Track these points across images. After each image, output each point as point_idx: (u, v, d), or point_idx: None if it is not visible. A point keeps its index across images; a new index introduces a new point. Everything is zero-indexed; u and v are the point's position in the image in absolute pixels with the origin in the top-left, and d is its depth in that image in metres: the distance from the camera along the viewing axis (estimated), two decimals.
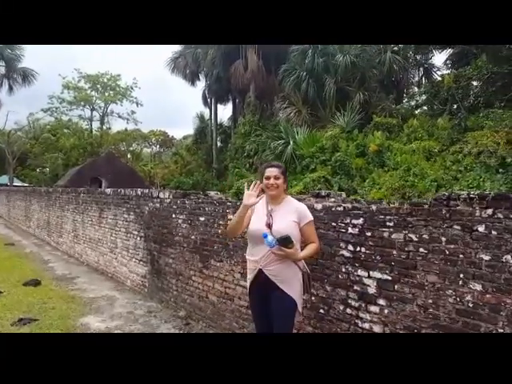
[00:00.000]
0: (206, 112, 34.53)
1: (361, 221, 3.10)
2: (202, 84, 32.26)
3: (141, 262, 6.45)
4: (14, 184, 34.34)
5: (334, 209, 3.34)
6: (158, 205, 6.07)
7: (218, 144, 32.05)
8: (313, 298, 3.45)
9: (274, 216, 2.91)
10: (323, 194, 3.73)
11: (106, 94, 37.33)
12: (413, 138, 14.06)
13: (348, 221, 3.21)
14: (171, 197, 5.80)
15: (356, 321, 3.12)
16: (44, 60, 55.54)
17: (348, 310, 3.18)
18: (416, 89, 21.98)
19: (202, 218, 5.07)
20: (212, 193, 5.56)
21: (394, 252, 2.87)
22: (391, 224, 2.91)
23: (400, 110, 18.70)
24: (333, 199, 3.66)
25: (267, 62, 24.91)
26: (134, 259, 6.67)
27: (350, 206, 3.25)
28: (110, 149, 33.06)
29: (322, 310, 3.39)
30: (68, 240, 9.83)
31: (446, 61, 20.48)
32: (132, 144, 43.79)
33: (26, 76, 31.47)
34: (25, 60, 31.82)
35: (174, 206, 5.66)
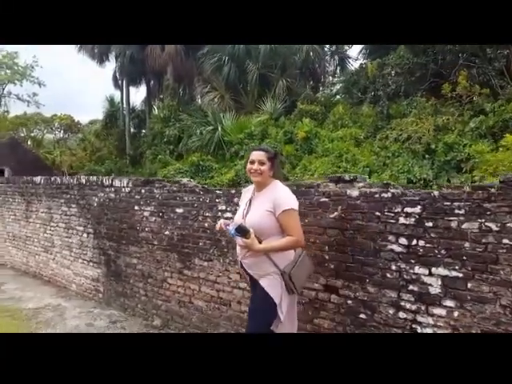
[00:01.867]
0: (117, 95, 31.53)
1: (418, 209, 2.56)
2: (111, 65, 29.33)
3: (90, 263, 5.23)
4: None
5: (377, 195, 2.76)
6: (112, 195, 4.92)
7: (132, 129, 29.58)
8: (349, 302, 2.86)
9: (252, 205, 2.59)
10: (347, 178, 3.11)
11: (2, 72, 31.92)
12: (339, 125, 14.20)
13: (399, 209, 2.64)
14: (131, 185, 4.71)
15: (413, 326, 2.58)
16: None
17: (401, 314, 2.63)
18: (331, 78, 22.49)
19: (179, 210, 4.13)
20: (185, 180, 4.62)
21: (466, 244, 2.39)
22: (461, 212, 2.42)
23: (320, 98, 18.90)
24: (361, 184, 3.07)
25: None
26: (80, 260, 5.40)
27: (400, 191, 2.69)
28: (11, 135, 28.50)
29: (362, 315, 2.79)
30: None
31: (360, 51, 20.97)
32: (33, 129, 38.54)
33: None
34: None
35: (137, 196, 4.59)
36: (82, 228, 5.35)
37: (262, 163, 2.53)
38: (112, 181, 4.93)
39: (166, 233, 4.24)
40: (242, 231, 2.40)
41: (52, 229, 5.90)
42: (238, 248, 2.64)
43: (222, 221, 2.70)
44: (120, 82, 28.85)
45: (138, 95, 48.35)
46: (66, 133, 40.93)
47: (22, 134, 37.06)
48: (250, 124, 15.79)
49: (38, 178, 6.26)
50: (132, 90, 29.03)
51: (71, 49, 34.96)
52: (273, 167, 2.58)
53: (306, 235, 3.10)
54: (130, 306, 4.64)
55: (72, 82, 60.96)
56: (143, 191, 4.52)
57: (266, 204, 2.49)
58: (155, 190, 4.39)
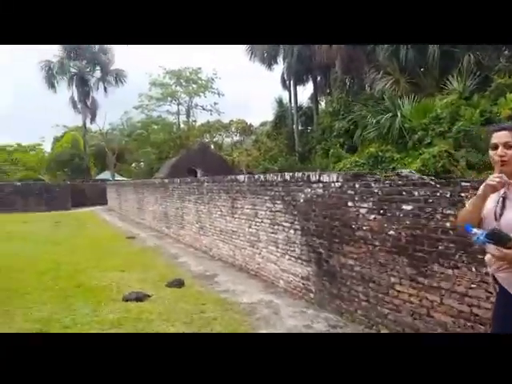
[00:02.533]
0: (284, 96, 32.87)
1: None
2: (279, 67, 30.62)
3: (299, 261, 5.10)
4: (116, 179, 35.84)
5: None
6: (320, 190, 4.63)
7: (299, 127, 30.20)
8: None
9: (508, 203, 1.89)
10: None
11: (190, 87, 37.13)
12: None
13: None
14: (341, 179, 4.32)
15: None
16: (128, 58, 57.34)
17: None
18: None
19: (407, 207, 3.51)
20: (405, 171, 3.98)
21: None
22: None
23: None
24: None
25: None
26: (287, 256, 5.35)
27: None
28: (201, 141, 32.94)
29: None
30: (191, 232, 8.91)
31: None
32: (215, 135, 43.65)
33: (119, 77, 32.14)
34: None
35: (350, 192, 4.17)
36: (288, 224, 5.27)
37: (509, 146, 1.86)
38: (319, 176, 4.64)
39: (391, 233, 3.67)
40: (498, 238, 1.79)
41: (257, 224, 6.06)
42: (487, 256, 1.98)
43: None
44: (288, 82, 29.89)
45: (304, 93, 49.31)
46: (241, 136, 45.10)
47: (207, 140, 42.40)
48: (434, 106, 13.91)
49: (241, 177, 6.56)
50: (299, 88, 29.80)
51: (243, 55, 38.15)
52: None
53: None
54: (348, 311, 4.26)
55: (245, 88, 66.66)
56: (357, 186, 4.06)
57: None
58: (373, 185, 3.87)
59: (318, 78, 28.53)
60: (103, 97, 32.57)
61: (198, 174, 23.72)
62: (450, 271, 3.15)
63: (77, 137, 35.92)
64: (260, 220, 5.98)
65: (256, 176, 6.09)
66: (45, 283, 6.07)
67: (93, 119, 32.43)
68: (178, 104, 38.38)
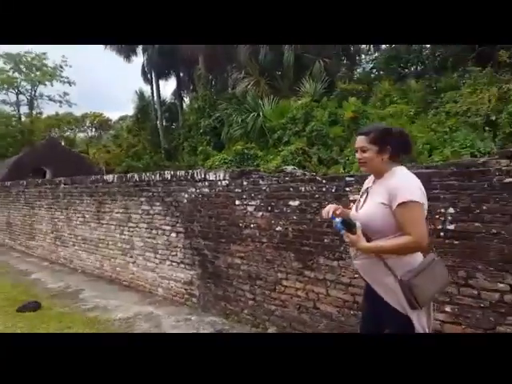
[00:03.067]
0: (146, 89, 31.28)
1: None
2: (138, 59, 28.98)
3: (181, 265, 4.72)
4: None
5: None
6: (206, 189, 4.36)
7: (164, 123, 29.19)
8: None
9: (369, 197, 2.08)
10: None
11: (32, 74, 32.03)
12: (388, 102, 13.26)
13: None
14: (228, 177, 4.13)
15: None
16: None
17: None
18: (363, 56, 21.35)
19: (294, 203, 3.53)
20: (289, 168, 4.01)
21: None
22: None
23: (360, 76, 17.89)
24: None
25: None
26: (167, 262, 4.91)
27: None
28: (49, 135, 28.73)
29: None
30: (45, 243, 7.54)
31: None
32: (65, 129, 38.89)
33: None
34: None
35: (237, 190, 4.01)
36: (169, 227, 4.84)
37: (363, 150, 2.03)
38: (205, 174, 4.36)
39: (278, 229, 3.65)
40: (348, 225, 1.98)
41: (131, 230, 5.43)
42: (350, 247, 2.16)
43: (330, 206, 2.11)
44: (149, 75, 28.47)
45: (167, 88, 47.67)
46: (97, 131, 41.20)
47: (55, 135, 37.41)
48: (290, 108, 15.00)
49: (110, 177, 5.79)
50: (161, 83, 28.67)
51: (97, 46, 34.77)
52: (384, 150, 1.99)
53: (486, 224, 2.48)
54: (234, 312, 4.11)
55: (100, 79, 61.00)
56: (245, 183, 3.93)
57: (381, 196, 1.95)
58: (261, 182, 3.79)
59: (181, 74, 27.97)
60: None
61: (47, 175, 20.65)
62: (335, 263, 3.27)
63: None
64: (134, 225, 5.37)
65: (128, 175, 5.43)
66: None
67: None
68: (18, 93, 32.77)
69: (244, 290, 4.01)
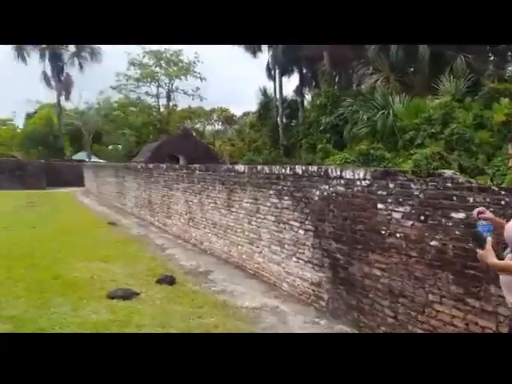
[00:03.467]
0: (269, 86, 32.13)
1: None
2: (263, 56, 29.75)
3: (309, 265, 4.53)
4: (92, 160, 34.12)
5: None
6: (341, 188, 4.07)
7: (284, 120, 29.51)
8: None
9: None
10: None
11: (170, 69, 35.64)
12: None
13: None
14: (369, 177, 3.76)
15: None
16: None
17: None
18: None
19: (457, 215, 2.99)
20: (448, 172, 3.46)
21: None
22: None
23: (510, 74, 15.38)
24: None
25: None
26: (294, 258, 4.78)
27: None
28: (184, 126, 31.76)
29: None
30: (180, 222, 8.19)
31: None
32: (196, 121, 42.39)
33: (94, 53, 30.33)
34: None
35: (381, 192, 3.62)
36: (297, 224, 4.69)
37: None
38: (341, 172, 4.07)
39: (433, 243, 3.15)
40: (478, 239, 1.85)
41: (258, 221, 5.45)
42: None
43: (480, 208, 2.00)
44: (273, 72, 29.08)
45: (288, 85, 48.11)
46: (223, 124, 44.02)
47: (187, 126, 41.07)
48: (426, 107, 13.64)
49: (241, 167, 5.91)
50: (284, 80, 29.01)
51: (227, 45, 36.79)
52: None
53: None
54: (368, 326, 3.74)
55: (227, 76, 64.84)
56: (391, 186, 3.52)
57: None
58: (412, 186, 3.33)
59: (304, 71, 27.90)
60: (79, 73, 30.67)
61: (180, 161, 22.74)
62: None
63: (51, 114, 33.85)
64: (262, 216, 5.37)
65: (259, 167, 5.45)
66: (18, 272, 5.28)
67: (67, 97, 30.51)
68: (158, 86, 36.87)
69: (383, 306, 3.60)
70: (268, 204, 5.25)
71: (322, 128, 21.55)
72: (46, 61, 28.83)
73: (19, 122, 41.38)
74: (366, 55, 19.16)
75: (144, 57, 35.36)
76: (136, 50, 35.33)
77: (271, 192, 5.17)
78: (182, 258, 6.50)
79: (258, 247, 5.49)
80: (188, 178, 7.60)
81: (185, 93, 37.45)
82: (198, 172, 7.19)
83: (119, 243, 7.44)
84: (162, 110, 38.07)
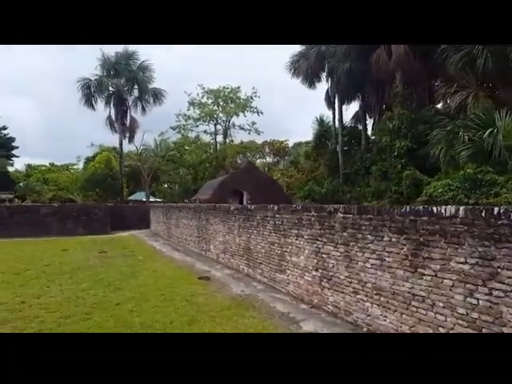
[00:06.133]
0: (326, 115, 30.49)
1: None
2: (321, 85, 28.31)
3: None
4: (150, 200, 33.52)
5: None
6: None
7: (344, 147, 27.50)
8: None
9: None
10: None
11: (228, 107, 35.06)
12: None
13: None
14: None
15: None
16: (168, 78, 55.58)
17: None
18: None
19: None
20: None
21: None
22: None
23: None
24: None
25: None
26: None
27: None
28: (247, 160, 30.59)
29: None
30: (302, 280, 6.09)
31: None
32: (248, 155, 41.35)
33: (157, 96, 30.16)
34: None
35: None
36: None
37: None
38: None
39: None
40: None
41: (495, 294, 3.28)
42: None
43: None
44: (332, 99, 27.53)
45: (346, 113, 46.56)
46: (275, 156, 42.63)
47: (239, 161, 40.04)
48: None
49: (450, 209, 3.80)
50: (343, 107, 27.28)
51: (284, 73, 35.86)
52: None
53: None
54: None
55: (280, 107, 64.16)
56: None
57: None
58: None
59: (367, 96, 26.00)
60: (140, 116, 30.58)
61: (244, 196, 21.12)
62: None
63: (110, 156, 34.01)
64: (501, 286, 3.20)
65: (495, 209, 3.33)
66: None
67: (131, 139, 30.34)
68: (216, 124, 36.31)
69: None
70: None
71: (395, 153, 19.26)
72: (111, 105, 28.95)
73: (82, 166, 42.35)
74: (447, 71, 16.92)
75: (203, 96, 35.23)
76: (196, 90, 35.32)
77: None
78: None
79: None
80: (320, 223, 5.60)
81: (241, 128, 36.74)
82: (340, 215, 5.17)
83: (228, 311, 5.47)
84: (218, 146, 37.46)
